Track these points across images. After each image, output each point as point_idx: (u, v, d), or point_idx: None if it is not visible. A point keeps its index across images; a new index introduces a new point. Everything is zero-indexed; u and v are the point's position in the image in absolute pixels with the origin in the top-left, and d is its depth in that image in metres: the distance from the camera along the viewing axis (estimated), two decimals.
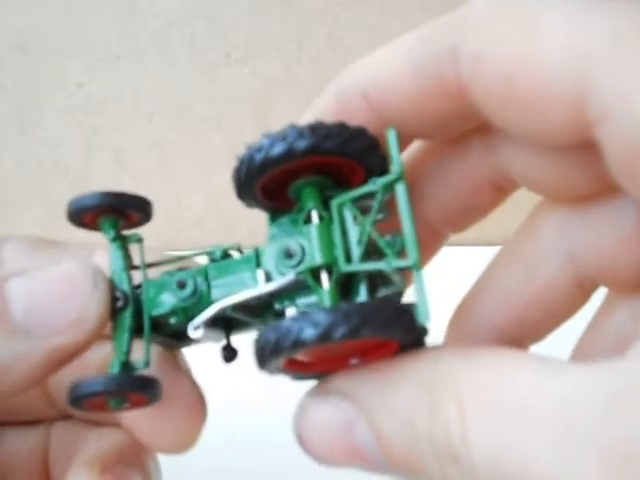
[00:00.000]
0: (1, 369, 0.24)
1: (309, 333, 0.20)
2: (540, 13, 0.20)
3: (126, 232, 0.27)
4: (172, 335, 0.27)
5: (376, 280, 0.23)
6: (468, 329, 0.27)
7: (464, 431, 0.19)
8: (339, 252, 0.23)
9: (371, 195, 0.23)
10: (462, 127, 0.25)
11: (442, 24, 0.22)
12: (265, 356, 0.21)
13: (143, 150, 0.62)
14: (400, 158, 0.22)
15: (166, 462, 0.33)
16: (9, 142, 0.62)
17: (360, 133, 0.23)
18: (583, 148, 0.21)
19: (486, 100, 0.21)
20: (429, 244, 0.28)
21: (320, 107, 0.25)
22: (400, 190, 0.22)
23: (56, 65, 0.62)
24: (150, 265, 0.27)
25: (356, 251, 0.23)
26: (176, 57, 0.62)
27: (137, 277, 0.26)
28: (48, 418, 0.32)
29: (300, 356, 0.23)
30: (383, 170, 0.24)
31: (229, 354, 0.27)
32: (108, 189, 0.25)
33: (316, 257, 0.23)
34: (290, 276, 0.23)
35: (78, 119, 0.62)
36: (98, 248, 0.30)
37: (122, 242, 0.26)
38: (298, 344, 0.20)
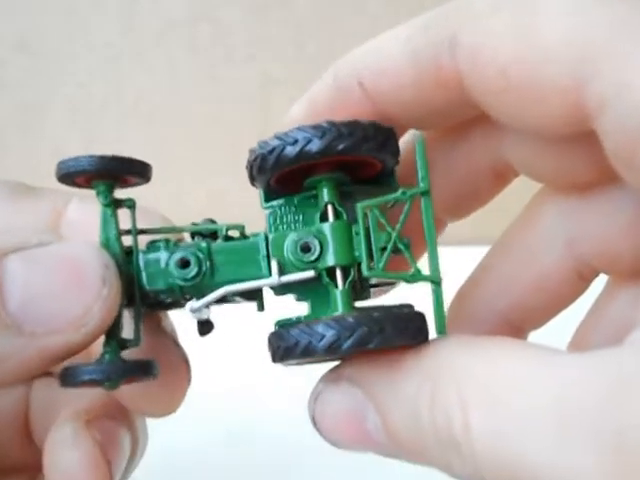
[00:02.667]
0: None
1: (345, 342, 0.21)
2: (538, 3, 0.20)
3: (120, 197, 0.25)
4: (150, 305, 0.26)
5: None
6: (467, 315, 0.27)
7: (465, 421, 0.19)
8: (362, 256, 0.23)
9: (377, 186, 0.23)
10: (459, 117, 0.25)
11: (441, 14, 0.22)
12: (291, 356, 0.22)
13: (143, 150, 0.62)
14: (427, 171, 0.22)
15: (166, 461, 0.33)
16: (10, 142, 0.62)
17: (374, 130, 0.23)
18: (582, 137, 0.21)
19: (483, 91, 0.21)
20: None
21: (316, 95, 0.25)
22: (426, 203, 0.22)
23: (57, 65, 0.62)
24: (141, 232, 0.25)
25: (379, 258, 0.23)
26: (176, 57, 0.63)
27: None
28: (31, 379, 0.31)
29: None
30: (397, 162, 0.24)
31: (205, 328, 0.26)
32: (104, 153, 0.24)
33: (335, 257, 0.23)
34: (310, 273, 0.23)
35: (79, 119, 0.62)
36: (74, 197, 0.29)
37: (115, 207, 0.25)
38: (331, 350, 0.21)
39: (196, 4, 0.62)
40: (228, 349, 0.48)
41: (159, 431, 0.31)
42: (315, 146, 0.22)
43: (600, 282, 0.27)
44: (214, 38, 0.62)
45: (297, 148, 0.22)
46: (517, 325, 0.27)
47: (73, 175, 0.24)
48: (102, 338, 0.24)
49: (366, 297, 0.25)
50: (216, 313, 0.26)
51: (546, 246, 0.26)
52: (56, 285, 0.22)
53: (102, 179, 0.24)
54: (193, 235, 0.25)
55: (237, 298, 0.25)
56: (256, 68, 0.62)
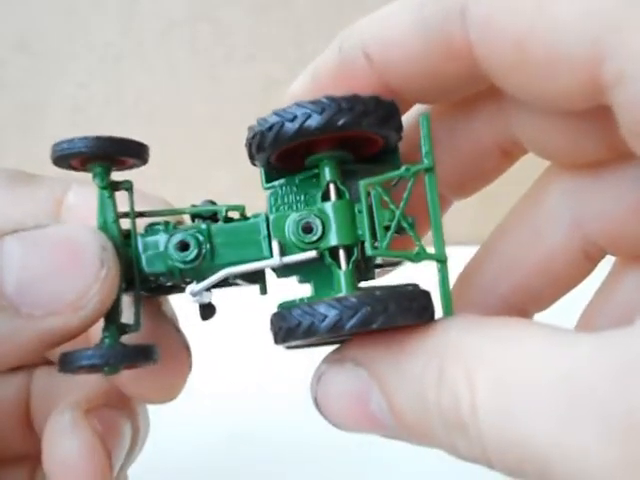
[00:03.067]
0: None
1: (348, 322, 0.20)
2: None
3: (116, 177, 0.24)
4: (149, 289, 0.26)
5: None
6: (470, 298, 0.27)
7: (472, 401, 0.18)
8: (366, 235, 0.22)
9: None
10: (466, 91, 0.24)
11: None
12: (294, 336, 0.21)
13: None
14: (432, 147, 0.22)
15: (166, 460, 0.33)
16: (10, 142, 0.62)
17: (374, 104, 0.22)
18: (594, 113, 0.20)
19: (495, 64, 0.21)
20: None
21: (319, 68, 0.24)
22: (430, 181, 0.22)
23: (57, 65, 0.62)
24: (139, 215, 0.25)
25: (382, 236, 0.22)
26: (176, 57, 0.63)
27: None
28: (30, 363, 0.31)
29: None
30: (400, 137, 0.23)
31: (207, 312, 0.26)
32: (100, 134, 0.23)
33: (338, 237, 0.22)
34: (312, 253, 0.23)
35: (79, 119, 0.62)
36: (74, 184, 0.29)
37: (112, 189, 0.24)
38: (334, 330, 0.20)
39: (196, 4, 0.62)
40: (229, 339, 0.48)
41: (160, 431, 0.31)
42: (314, 122, 0.21)
43: (607, 264, 0.26)
44: (214, 38, 0.62)
45: (296, 124, 0.22)
46: (520, 307, 0.26)
47: (68, 157, 0.23)
48: (101, 323, 0.23)
49: (370, 277, 0.24)
50: (218, 297, 0.25)
51: (552, 226, 0.25)
52: (53, 267, 0.22)
53: (98, 161, 0.23)
54: (193, 218, 0.25)
55: (239, 281, 0.24)
56: (256, 68, 0.62)
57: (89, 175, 0.24)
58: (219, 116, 0.62)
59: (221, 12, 0.62)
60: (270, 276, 0.25)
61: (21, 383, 0.31)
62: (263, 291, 0.25)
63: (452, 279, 0.24)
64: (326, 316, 0.20)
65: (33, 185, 0.29)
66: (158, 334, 0.27)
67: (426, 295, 0.21)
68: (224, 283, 0.24)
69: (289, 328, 0.21)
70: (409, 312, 0.21)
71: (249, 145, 0.23)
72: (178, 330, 0.28)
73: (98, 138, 0.23)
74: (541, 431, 0.17)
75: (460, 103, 0.25)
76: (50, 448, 0.27)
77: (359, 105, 0.22)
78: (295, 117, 0.22)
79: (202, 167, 0.62)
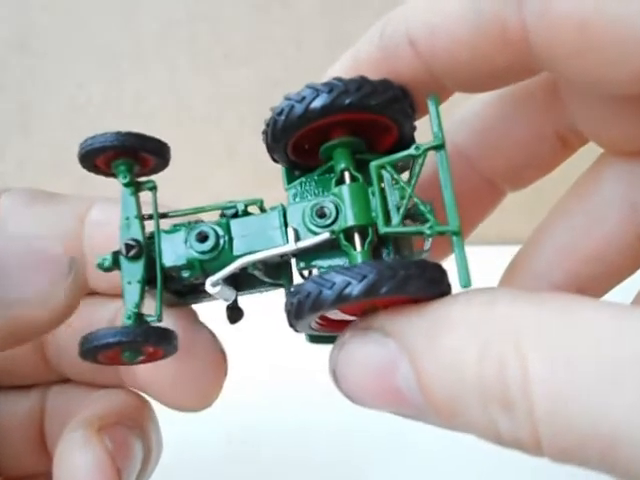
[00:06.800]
0: None
1: (355, 288, 0.19)
2: None
3: (140, 179, 0.25)
4: (178, 292, 0.26)
5: (400, 250, 0.23)
6: (521, 287, 0.26)
7: (524, 378, 0.17)
8: (378, 214, 0.22)
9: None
10: (517, 79, 0.23)
11: None
12: (304, 310, 0.20)
13: None
14: (442, 124, 0.22)
15: (166, 458, 0.33)
16: (10, 143, 0.62)
17: (383, 86, 0.22)
18: None
19: (556, 50, 0.20)
20: (485, 201, 0.27)
21: (360, 53, 0.23)
22: (441, 157, 0.21)
23: (57, 66, 0.62)
24: (162, 216, 0.25)
25: (395, 214, 0.22)
26: (176, 57, 0.63)
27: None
28: (45, 382, 0.31)
29: (334, 313, 0.22)
30: (413, 127, 0.23)
31: (235, 314, 0.26)
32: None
33: (352, 217, 0.22)
34: (325, 235, 0.23)
35: (79, 120, 0.62)
36: (96, 201, 0.29)
37: (136, 188, 0.25)
38: (341, 298, 0.19)
39: (196, 4, 0.62)
40: (230, 340, 0.48)
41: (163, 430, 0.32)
42: (321, 101, 0.21)
43: None
44: (214, 38, 0.62)
45: (304, 105, 0.22)
46: None
47: (93, 154, 0.24)
48: (122, 313, 0.24)
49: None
50: (245, 302, 0.26)
51: (607, 212, 0.24)
52: (26, 260, 0.23)
53: (120, 157, 0.24)
54: (223, 215, 0.25)
55: (259, 275, 0.24)
56: (256, 68, 0.62)
57: (112, 193, 0.25)
58: (219, 116, 0.62)
59: (220, 12, 0.62)
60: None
61: (35, 402, 0.31)
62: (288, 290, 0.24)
63: (451, 279, 0.23)
64: (334, 283, 0.20)
65: (54, 203, 0.29)
66: (195, 340, 0.27)
67: (439, 267, 0.21)
68: (249, 284, 0.25)
69: (299, 301, 0.21)
70: (420, 280, 0.20)
71: (265, 136, 0.23)
72: (214, 336, 0.29)
73: (118, 132, 0.24)
74: (612, 416, 0.16)
75: (516, 88, 0.24)
76: (60, 464, 0.27)
77: (367, 86, 0.22)
78: (304, 98, 0.22)
79: (202, 167, 0.62)
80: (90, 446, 0.27)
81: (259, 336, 0.44)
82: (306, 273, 0.24)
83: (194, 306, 0.29)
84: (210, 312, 0.29)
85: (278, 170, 0.26)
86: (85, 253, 0.29)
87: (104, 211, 0.29)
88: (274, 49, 0.62)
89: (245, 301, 0.27)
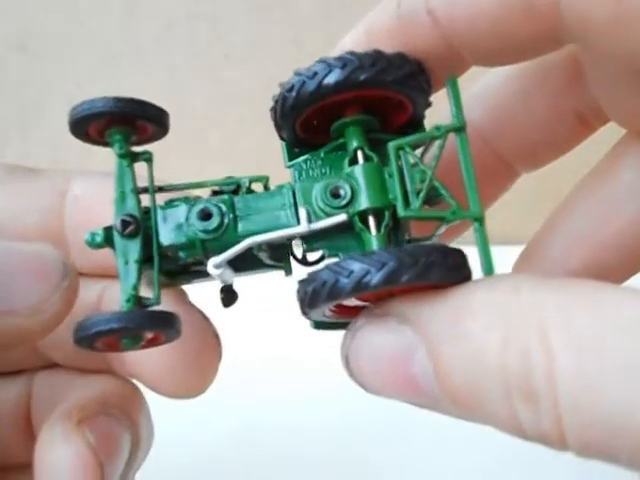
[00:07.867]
0: None
1: (375, 276, 0.18)
2: None
3: (135, 148, 0.23)
4: (169, 272, 0.24)
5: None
6: (536, 273, 0.24)
7: (549, 368, 0.16)
8: (397, 197, 0.21)
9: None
10: (539, 53, 0.22)
11: None
12: (319, 299, 0.20)
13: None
14: (461, 108, 0.21)
15: (166, 459, 0.32)
16: (9, 142, 0.62)
17: (399, 60, 0.21)
18: None
19: (590, 18, 0.19)
20: (498, 181, 0.26)
21: (374, 23, 0.22)
22: (461, 139, 0.21)
23: (56, 65, 0.62)
24: (158, 190, 0.23)
25: (414, 198, 0.21)
26: (176, 57, 0.62)
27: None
28: (31, 367, 0.30)
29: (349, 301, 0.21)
30: (428, 104, 0.22)
31: (229, 298, 0.25)
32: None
33: (367, 199, 0.21)
34: (342, 216, 0.21)
35: None
36: (77, 175, 0.28)
37: (132, 159, 0.23)
38: (360, 287, 0.19)
39: (196, 4, 0.62)
40: (230, 336, 0.47)
41: (161, 429, 0.31)
42: (334, 77, 0.20)
43: None
44: (214, 38, 0.62)
45: (316, 81, 0.21)
46: None
47: (87, 120, 0.22)
48: (117, 298, 0.22)
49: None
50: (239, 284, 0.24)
51: (628, 198, 0.23)
52: (18, 270, 0.22)
53: (117, 124, 0.22)
54: (215, 193, 0.23)
55: (264, 257, 0.23)
56: (256, 68, 0.62)
57: (92, 166, 0.23)
58: (219, 116, 0.62)
59: (220, 12, 0.62)
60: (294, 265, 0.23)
61: (22, 388, 0.30)
62: (288, 272, 0.23)
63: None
64: (352, 271, 0.19)
65: (33, 178, 0.28)
66: (187, 323, 0.25)
67: (460, 252, 0.20)
68: (248, 265, 0.23)
69: (314, 290, 0.20)
70: (442, 267, 0.19)
71: (274, 112, 0.22)
72: (206, 318, 0.27)
73: (116, 98, 0.22)
74: None
75: (536, 66, 0.23)
76: (40, 461, 0.26)
77: (382, 61, 0.21)
78: (315, 73, 0.21)
79: (202, 167, 0.62)
80: (69, 441, 0.25)
81: (255, 321, 0.43)
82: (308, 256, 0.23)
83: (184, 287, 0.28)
84: (197, 293, 0.27)
85: (278, 170, 0.25)
86: (66, 230, 0.27)
87: (86, 185, 0.27)
88: (274, 49, 0.62)
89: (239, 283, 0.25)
